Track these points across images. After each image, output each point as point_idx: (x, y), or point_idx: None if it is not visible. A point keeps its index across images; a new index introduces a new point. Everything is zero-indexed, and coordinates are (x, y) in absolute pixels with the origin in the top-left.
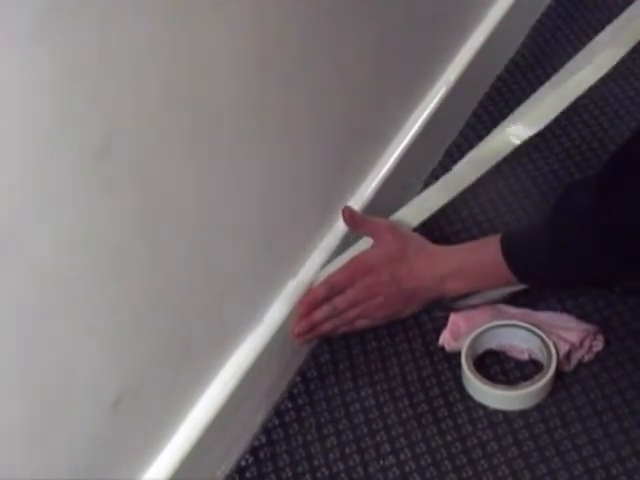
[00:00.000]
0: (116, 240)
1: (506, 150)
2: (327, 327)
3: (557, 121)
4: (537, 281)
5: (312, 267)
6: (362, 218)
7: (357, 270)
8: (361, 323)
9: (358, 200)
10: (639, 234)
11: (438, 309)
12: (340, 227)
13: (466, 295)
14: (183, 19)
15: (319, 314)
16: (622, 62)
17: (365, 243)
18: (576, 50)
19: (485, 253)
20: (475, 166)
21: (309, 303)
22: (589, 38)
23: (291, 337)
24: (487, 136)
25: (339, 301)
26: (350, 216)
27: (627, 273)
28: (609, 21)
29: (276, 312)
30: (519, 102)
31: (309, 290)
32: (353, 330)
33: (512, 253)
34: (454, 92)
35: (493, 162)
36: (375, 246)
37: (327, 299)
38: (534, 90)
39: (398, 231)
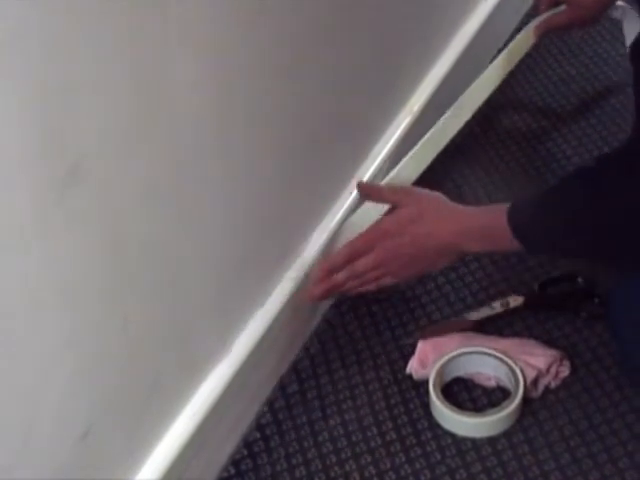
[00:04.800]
0: (82, 271)
1: (481, 100)
2: (347, 287)
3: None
4: (541, 253)
5: (279, 297)
6: (378, 188)
7: (376, 236)
8: (386, 281)
9: (323, 232)
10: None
11: (405, 337)
12: (306, 258)
13: (433, 322)
14: (149, 50)
15: (339, 277)
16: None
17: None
18: (544, 73)
19: (494, 219)
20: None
21: (327, 269)
22: (557, 63)
23: (259, 366)
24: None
25: (359, 264)
26: (365, 188)
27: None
28: (575, 44)
29: (244, 342)
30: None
31: (327, 256)
32: (377, 288)
33: (518, 226)
34: (420, 118)
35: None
36: (393, 211)
37: (347, 263)
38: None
39: (414, 193)
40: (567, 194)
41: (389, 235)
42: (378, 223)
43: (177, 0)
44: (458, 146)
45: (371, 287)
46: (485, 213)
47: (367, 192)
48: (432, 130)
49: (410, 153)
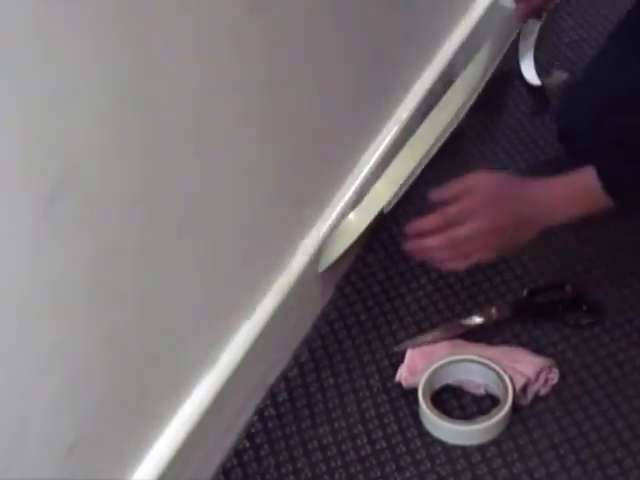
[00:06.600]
0: (69, 285)
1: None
2: (440, 255)
3: None
4: (633, 202)
5: (268, 307)
6: (451, 184)
7: (476, 203)
8: (479, 255)
9: (314, 238)
10: None
11: (395, 345)
12: (293, 269)
13: (422, 330)
14: (133, 65)
15: (433, 242)
16: None
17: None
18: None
19: (581, 182)
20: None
21: (417, 229)
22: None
23: (248, 375)
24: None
25: (460, 232)
26: (441, 192)
27: None
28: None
29: (232, 353)
30: (470, 138)
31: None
32: (466, 266)
33: (607, 178)
34: (406, 130)
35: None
36: (478, 188)
37: (439, 229)
38: (486, 127)
39: (489, 172)
40: None
41: (492, 203)
42: (473, 192)
43: (161, 14)
44: (452, 150)
45: (460, 265)
46: (567, 180)
47: (444, 193)
48: (413, 136)
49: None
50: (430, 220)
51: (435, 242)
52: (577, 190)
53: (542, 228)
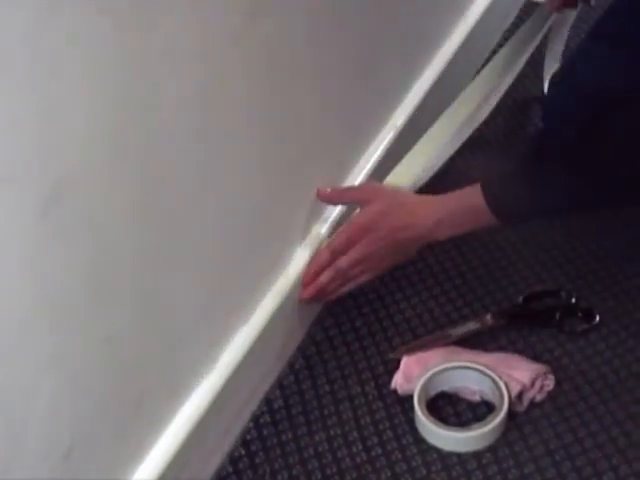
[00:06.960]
0: (65, 289)
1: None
2: (332, 287)
3: None
4: (517, 220)
5: (264, 312)
6: (342, 190)
7: (355, 231)
8: (365, 276)
9: (307, 248)
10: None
11: (390, 352)
12: (290, 274)
13: (418, 337)
14: (132, 67)
15: (323, 278)
16: None
17: None
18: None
19: (468, 200)
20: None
21: (313, 272)
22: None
23: (244, 382)
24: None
25: (342, 262)
26: (330, 194)
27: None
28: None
29: (228, 359)
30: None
31: (313, 257)
32: (357, 285)
33: (493, 198)
34: (404, 134)
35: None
36: (365, 207)
37: (330, 263)
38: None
39: (381, 188)
40: (542, 159)
41: (366, 230)
42: (353, 220)
43: (161, 16)
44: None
45: (352, 285)
46: (457, 198)
47: (332, 197)
48: (426, 133)
49: (404, 158)
50: (320, 257)
51: (325, 278)
52: (464, 208)
53: (428, 243)
